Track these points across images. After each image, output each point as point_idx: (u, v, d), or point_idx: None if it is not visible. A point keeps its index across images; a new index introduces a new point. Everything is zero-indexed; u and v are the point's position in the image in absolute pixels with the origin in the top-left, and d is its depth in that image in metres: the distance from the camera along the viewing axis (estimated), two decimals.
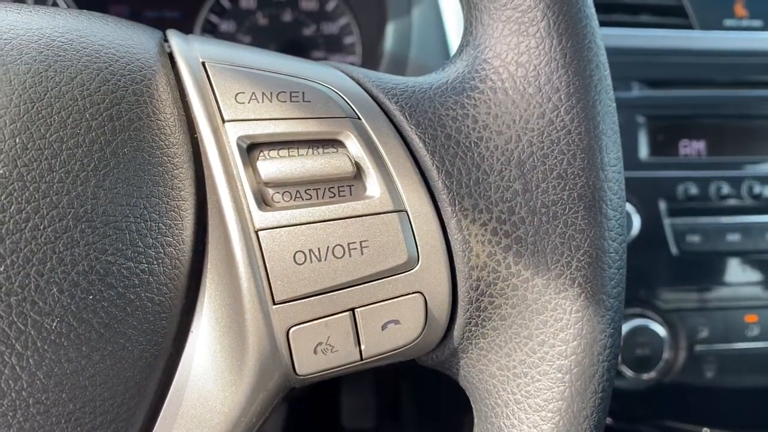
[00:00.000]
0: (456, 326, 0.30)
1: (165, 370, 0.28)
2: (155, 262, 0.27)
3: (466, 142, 0.29)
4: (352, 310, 0.29)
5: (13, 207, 0.25)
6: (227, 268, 0.28)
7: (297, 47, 0.86)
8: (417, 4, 0.74)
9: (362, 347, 0.29)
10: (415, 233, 0.29)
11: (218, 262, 0.29)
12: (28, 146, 0.25)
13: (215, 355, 0.28)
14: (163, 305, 0.28)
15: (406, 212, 0.29)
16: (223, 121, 0.28)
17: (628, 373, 0.71)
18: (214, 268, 0.29)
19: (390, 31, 0.74)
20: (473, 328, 0.30)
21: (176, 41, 0.31)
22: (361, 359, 0.29)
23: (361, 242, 0.29)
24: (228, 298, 0.28)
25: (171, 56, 0.31)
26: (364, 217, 0.29)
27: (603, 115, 0.30)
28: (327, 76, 0.31)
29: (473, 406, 0.32)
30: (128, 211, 0.27)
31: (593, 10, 0.30)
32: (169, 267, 0.28)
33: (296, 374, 0.29)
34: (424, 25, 0.73)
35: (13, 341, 0.25)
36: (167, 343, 0.28)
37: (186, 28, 0.79)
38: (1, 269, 0.24)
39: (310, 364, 0.29)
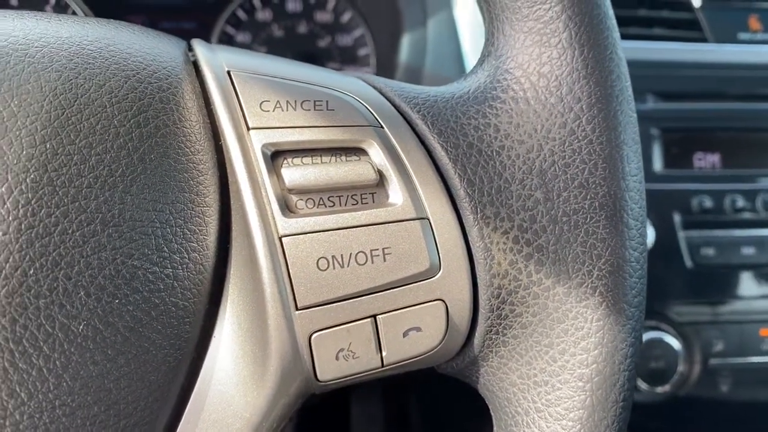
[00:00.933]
0: (476, 334, 0.31)
1: (187, 375, 0.29)
2: (180, 267, 0.28)
3: (488, 151, 0.30)
4: (374, 316, 0.29)
5: (42, 211, 0.25)
6: (250, 273, 0.29)
7: (312, 59, 0.87)
8: (432, 16, 0.74)
9: (383, 354, 0.29)
10: (437, 241, 0.29)
11: (241, 268, 0.29)
12: (58, 152, 0.26)
13: (237, 360, 0.29)
14: (186, 310, 0.28)
15: (428, 220, 0.29)
16: (248, 129, 0.29)
17: (643, 385, 0.71)
18: (237, 273, 0.29)
19: (405, 42, 0.75)
20: (494, 336, 0.30)
21: (201, 50, 0.31)
22: (382, 366, 0.29)
23: (383, 249, 0.29)
24: (251, 303, 0.29)
25: (195, 65, 0.31)
26: (386, 225, 0.29)
27: (624, 125, 0.30)
28: (350, 85, 0.31)
29: (493, 414, 0.32)
30: (154, 217, 0.27)
31: (614, 21, 0.31)
32: (194, 272, 0.28)
33: (317, 380, 0.29)
34: (439, 36, 0.74)
35: (41, 344, 0.25)
36: (190, 347, 0.28)
37: (203, 40, 0.79)
38: (31, 272, 0.25)
39: (331, 370, 0.29)
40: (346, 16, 0.89)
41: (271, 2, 0.88)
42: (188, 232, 0.28)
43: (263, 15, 0.88)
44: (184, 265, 0.28)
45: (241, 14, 0.86)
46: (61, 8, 0.83)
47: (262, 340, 0.28)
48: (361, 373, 0.29)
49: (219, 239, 0.29)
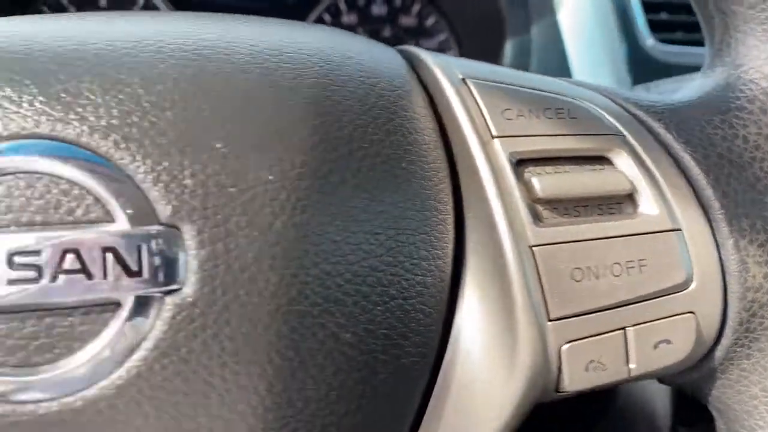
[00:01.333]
0: (719, 347, 0.30)
1: (427, 386, 0.28)
2: (428, 274, 0.27)
3: (738, 162, 0.29)
4: (623, 328, 0.28)
5: (315, 219, 0.25)
6: (491, 283, 0.28)
7: None
8: (536, 20, 0.74)
9: (631, 366, 0.29)
10: (690, 252, 0.29)
11: (478, 278, 0.29)
12: (325, 159, 0.26)
13: (481, 370, 0.28)
14: (432, 317, 0.27)
15: (682, 231, 0.29)
16: (492, 137, 0.28)
17: None
18: (473, 282, 0.29)
19: (509, 46, 0.75)
20: (738, 349, 0.30)
21: (429, 57, 0.31)
22: (629, 377, 0.29)
23: (638, 261, 0.28)
24: (494, 313, 0.28)
25: (416, 72, 0.31)
26: (641, 236, 0.28)
27: None
28: (583, 93, 0.31)
29: (726, 428, 0.32)
30: (407, 224, 0.27)
31: None
32: (438, 279, 0.28)
33: (557, 391, 0.29)
34: (544, 40, 0.73)
35: (316, 353, 0.25)
36: (431, 355, 0.28)
37: None
38: (308, 280, 0.25)
39: (579, 381, 0.28)
40: (430, 21, 0.89)
41: (357, 6, 0.88)
42: (434, 240, 0.28)
43: (348, 19, 0.88)
44: (431, 272, 0.27)
45: (327, 18, 0.86)
46: (148, 9, 0.83)
47: (510, 349, 0.28)
48: (604, 384, 0.29)
49: (455, 248, 0.29)
